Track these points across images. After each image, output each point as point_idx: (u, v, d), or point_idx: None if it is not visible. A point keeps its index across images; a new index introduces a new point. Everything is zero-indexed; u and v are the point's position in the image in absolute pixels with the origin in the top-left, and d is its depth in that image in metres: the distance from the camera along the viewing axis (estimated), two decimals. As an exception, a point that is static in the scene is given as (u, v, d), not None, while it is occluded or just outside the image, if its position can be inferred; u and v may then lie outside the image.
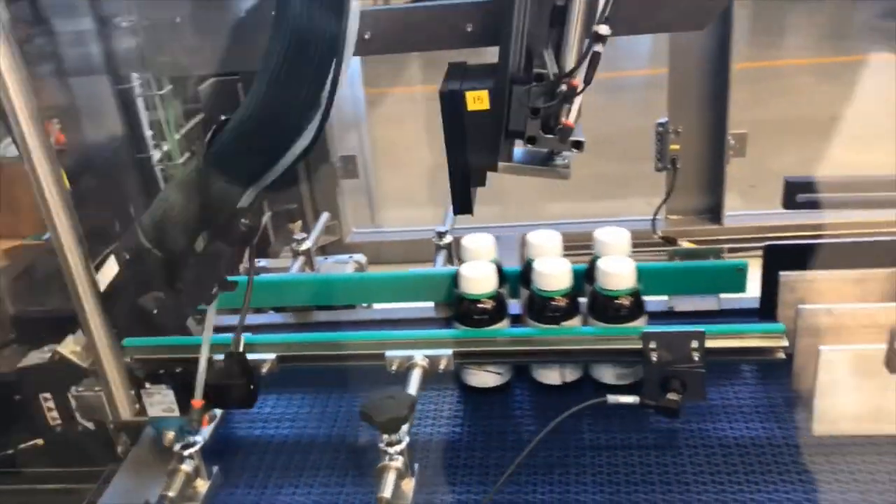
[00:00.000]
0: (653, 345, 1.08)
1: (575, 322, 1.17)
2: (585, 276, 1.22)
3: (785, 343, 1.06)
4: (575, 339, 1.13)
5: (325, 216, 1.69)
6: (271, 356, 1.14)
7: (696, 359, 1.07)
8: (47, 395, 0.95)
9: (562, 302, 1.16)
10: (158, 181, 2.00)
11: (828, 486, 0.99)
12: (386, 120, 4.97)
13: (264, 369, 1.13)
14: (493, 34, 1.03)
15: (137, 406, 0.92)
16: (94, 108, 1.81)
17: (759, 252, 1.46)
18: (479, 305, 1.17)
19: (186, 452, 0.99)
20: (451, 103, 1.02)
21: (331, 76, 0.81)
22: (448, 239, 1.47)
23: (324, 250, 1.89)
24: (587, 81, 0.94)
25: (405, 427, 0.98)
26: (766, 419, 1.12)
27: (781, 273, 1.15)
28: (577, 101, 0.95)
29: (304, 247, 1.46)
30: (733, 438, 1.09)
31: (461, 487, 1.05)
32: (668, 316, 1.32)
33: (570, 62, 0.97)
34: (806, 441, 1.06)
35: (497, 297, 1.18)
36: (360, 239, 2.08)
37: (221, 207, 0.83)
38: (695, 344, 1.07)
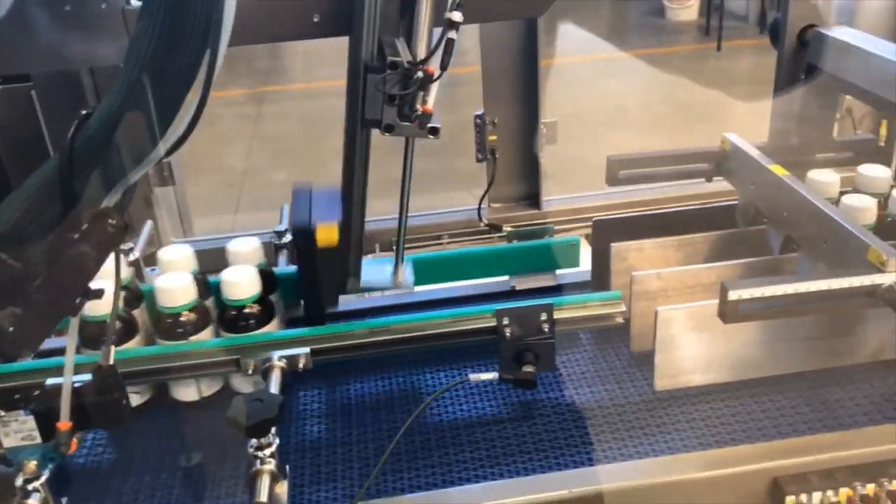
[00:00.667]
0: (506, 321, 1.12)
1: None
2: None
3: (623, 308, 1.15)
4: (431, 323, 1.15)
5: (149, 224, 1.60)
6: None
7: (547, 330, 1.13)
8: None
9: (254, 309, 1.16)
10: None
11: (670, 436, 1.08)
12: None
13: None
14: (341, 25, 1.03)
15: (-9, 439, 0.83)
16: None
17: (580, 231, 1.56)
18: (245, 311, 1.16)
19: (31, 486, 0.90)
20: (302, 240, 1.09)
21: (205, 66, 0.76)
22: (289, 238, 1.44)
23: (144, 262, 1.78)
24: (443, 67, 0.96)
25: (273, 429, 0.96)
26: (609, 382, 1.20)
27: (613, 244, 1.24)
28: (434, 87, 0.97)
29: (131, 258, 1.37)
30: (582, 403, 1.16)
31: (329, 486, 1.04)
32: (511, 294, 1.38)
33: (421, 50, 0.99)
34: (648, 397, 1.15)
35: (262, 301, 1.17)
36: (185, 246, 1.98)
37: (85, 207, 0.77)
38: (544, 316, 1.13)
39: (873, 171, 1.24)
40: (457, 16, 0.98)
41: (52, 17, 1.26)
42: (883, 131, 1.92)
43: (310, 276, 1.17)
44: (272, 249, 1.48)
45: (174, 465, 1.10)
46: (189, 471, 1.09)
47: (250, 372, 1.09)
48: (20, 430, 0.85)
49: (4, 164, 2.12)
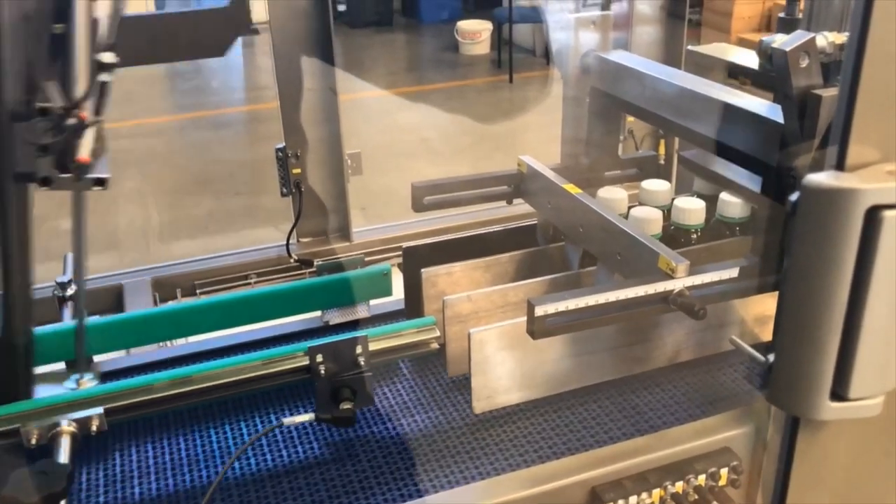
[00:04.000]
0: (319, 358, 1.08)
1: None
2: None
3: (437, 333, 1.14)
4: (240, 368, 1.08)
5: None
6: None
7: (363, 363, 1.10)
8: None
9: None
10: None
11: (494, 457, 1.08)
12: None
13: None
14: (218, 46, 0.95)
15: None
16: None
17: (392, 261, 1.54)
18: None
19: None
20: None
21: None
22: (73, 289, 1.31)
23: None
24: (97, 112, 0.91)
25: (63, 501, 0.85)
26: (431, 409, 1.18)
27: (423, 270, 1.23)
28: (90, 133, 0.90)
29: None
30: (405, 433, 1.14)
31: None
32: (325, 331, 1.34)
33: (77, 94, 0.92)
34: (470, 420, 1.14)
35: None
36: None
37: None
38: (359, 349, 1.10)
39: (656, 186, 1.33)
40: (108, 57, 0.92)
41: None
42: (661, 149, 2.08)
43: None
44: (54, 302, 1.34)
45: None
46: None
47: (33, 442, 0.97)
48: None
49: None
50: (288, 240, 1.96)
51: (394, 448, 1.11)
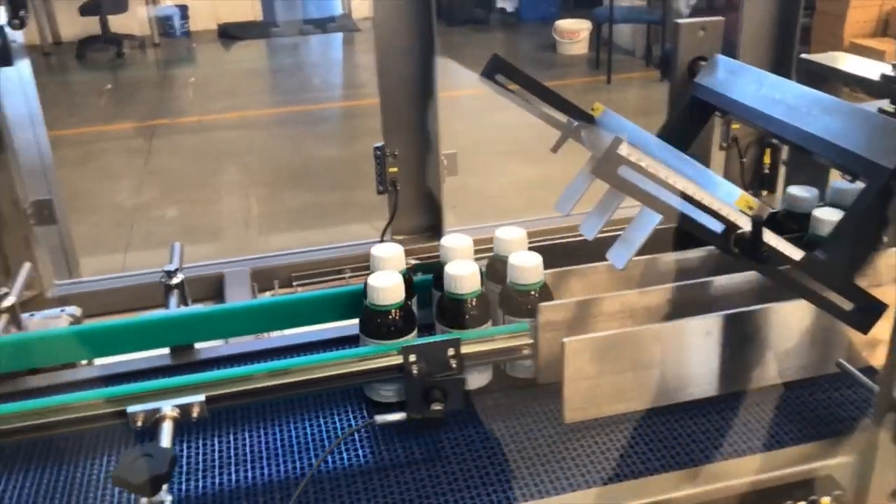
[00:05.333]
0: (412, 358, 1.09)
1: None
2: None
3: (531, 340, 1.13)
4: (335, 363, 1.10)
5: (27, 267, 1.49)
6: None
7: (454, 366, 1.10)
8: None
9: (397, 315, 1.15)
10: None
11: (586, 468, 1.06)
12: (70, 163, 4.55)
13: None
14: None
15: None
16: None
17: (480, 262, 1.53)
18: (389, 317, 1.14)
19: None
20: None
21: None
22: (179, 278, 1.37)
23: (23, 307, 1.66)
24: None
25: (165, 486, 0.89)
26: (519, 414, 1.17)
27: (517, 276, 1.22)
28: None
29: (6, 303, 1.26)
30: (494, 438, 1.13)
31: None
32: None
33: None
34: (561, 429, 1.13)
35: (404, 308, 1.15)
36: (65, 291, 1.86)
37: None
38: (451, 352, 1.10)
39: (803, 192, 1.33)
40: None
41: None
42: (767, 158, 2.01)
43: None
44: (161, 290, 1.40)
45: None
46: None
47: (139, 425, 1.01)
48: None
49: None
50: (382, 237, 1.98)
51: (483, 452, 1.11)
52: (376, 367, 1.10)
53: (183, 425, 1.04)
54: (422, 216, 2.07)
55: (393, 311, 1.15)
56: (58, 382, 1.26)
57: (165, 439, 0.98)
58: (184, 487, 1.05)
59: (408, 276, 1.24)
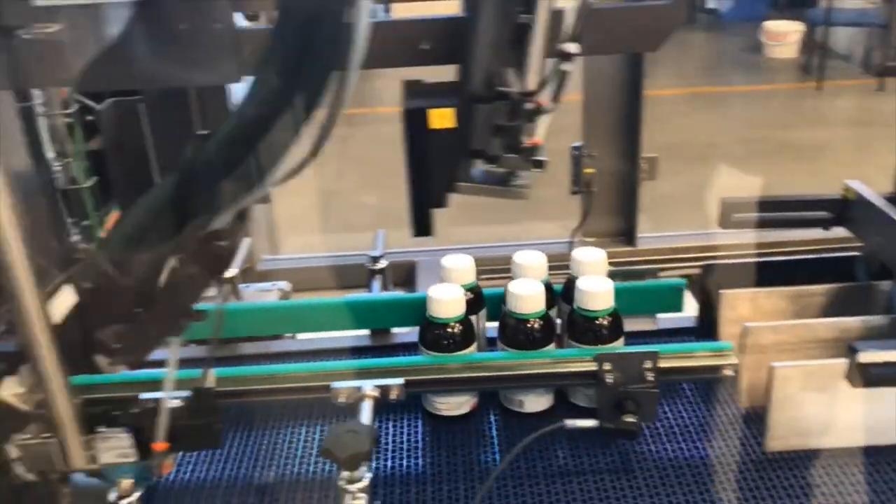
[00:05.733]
0: (607, 366, 1.07)
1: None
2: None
3: (734, 361, 1.08)
4: (529, 363, 1.11)
5: (247, 241, 1.61)
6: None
7: (650, 379, 1.07)
8: (-20, 445, 0.83)
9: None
10: (60, 205, 1.86)
11: (781, 501, 1.00)
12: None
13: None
14: (450, 53, 1.01)
15: (90, 452, 0.82)
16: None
17: (678, 272, 1.48)
18: (448, 330, 1.13)
19: (124, 501, 0.89)
20: (414, 121, 0.99)
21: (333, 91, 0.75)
22: (383, 263, 1.43)
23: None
24: (555, 100, 0.94)
25: (366, 463, 0.93)
26: (714, 437, 1.13)
27: (722, 291, 1.17)
28: (545, 120, 0.94)
29: (228, 274, 1.37)
30: (685, 458, 1.10)
31: (420, 524, 1.01)
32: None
33: (532, 81, 0.96)
34: (757, 458, 1.08)
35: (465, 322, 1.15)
36: (273, 266, 2.00)
37: (196, 229, 0.76)
38: (648, 364, 1.07)
39: None
40: (572, 47, 0.95)
41: (166, 35, 1.28)
42: None
43: (417, 169, 1.07)
44: (365, 273, 1.47)
45: (276, 487, 1.08)
46: (276, 497, 1.07)
47: (342, 400, 1.07)
48: (117, 447, 0.85)
49: (109, 176, 2.18)
50: (572, 238, 1.97)
51: (671, 471, 1.07)
52: (569, 372, 1.09)
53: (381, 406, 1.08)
54: (615, 219, 2.04)
55: (531, 320, 1.13)
56: (267, 352, 1.35)
57: (366, 417, 1.02)
58: (381, 465, 1.10)
59: (549, 285, 1.20)
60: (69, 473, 0.85)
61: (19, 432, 0.82)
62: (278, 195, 3.58)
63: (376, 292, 1.36)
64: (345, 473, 0.91)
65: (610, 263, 1.63)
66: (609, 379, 1.07)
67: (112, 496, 0.89)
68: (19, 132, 1.48)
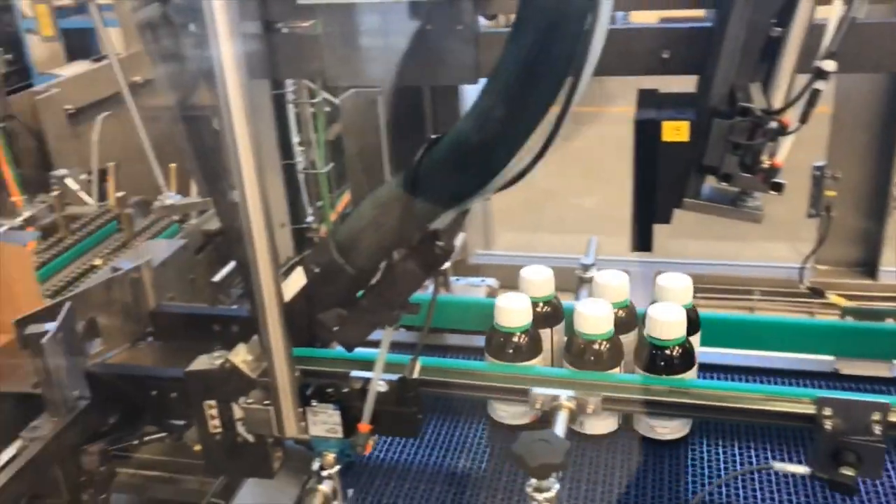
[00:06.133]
0: (828, 412, 0.98)
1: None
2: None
3: None
4: (740, 396, 1.04)
5: (462, 235, 1.65)
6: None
7: (878, 432, 0.97)
8: (212, 402, 0.93)
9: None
10: (301, 188, 2.02)
11: None
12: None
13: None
14: (690, 64, 0.98)
15: (302, 423, 0.90)
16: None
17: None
18: (513, 339, 1.12)
19: (325, 472, 0.96)
20: (646, 133, 0.97)
21: (563, 96, 0.75)
22: (594, 272, 1.40)
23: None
24: (803, 120, 0.87)
25: (555, 475, 0.92)
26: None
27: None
28: (788, 140, 0.88)
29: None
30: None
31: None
32: (833, 378, 1.22)
33: (778, 98, 0.90)
34: None
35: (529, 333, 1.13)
36: (484, 261, 2.04)
37: (418, 227, 0.80)
38: (877, 416, 0.97)
39: None
40: (829, 65, 0.88)
41: (408, 35, 1.34)
42: None
43: (645, 181, 1.06)
44: (575, 279, 1.45)
45: (465, 480, 1.11)
46: (462, 489, 1.09)
47: (537, 407, 1.07)
48: (326, 422, 0.90)
49: (344, 162, 2.33)
50: (804, 263, 1.83)
51: (892, 537, 0.97)
52: (784, 412, 1.02)
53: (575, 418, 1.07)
54: (855, 248, 1.87)
55: (671, 347, 1.06)
56: (470, 345, 1.38)
57: (560, 428, 1.02)
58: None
59: (693, 310, 1.12)
60: (283, 439, 0.93)
61: (245, 395, 0.90)
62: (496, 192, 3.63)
63: (583, 300, 1.34)
64: (532, 481, 0.91)
65: (845, 296, 1.50)
66: (828, 426, 0.98)
67: (315, 465, 0.96)
68: (271, 118, 1.63)
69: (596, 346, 1.10)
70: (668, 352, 1.07)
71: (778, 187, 0.93)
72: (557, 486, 0.92)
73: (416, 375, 0.88)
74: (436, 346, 1.40)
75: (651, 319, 1.08)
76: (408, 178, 0.80)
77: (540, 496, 0.91)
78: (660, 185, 1.00)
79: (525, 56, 0.72)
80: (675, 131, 0.95)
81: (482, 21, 1.32)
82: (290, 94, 2.00)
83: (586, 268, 1.42)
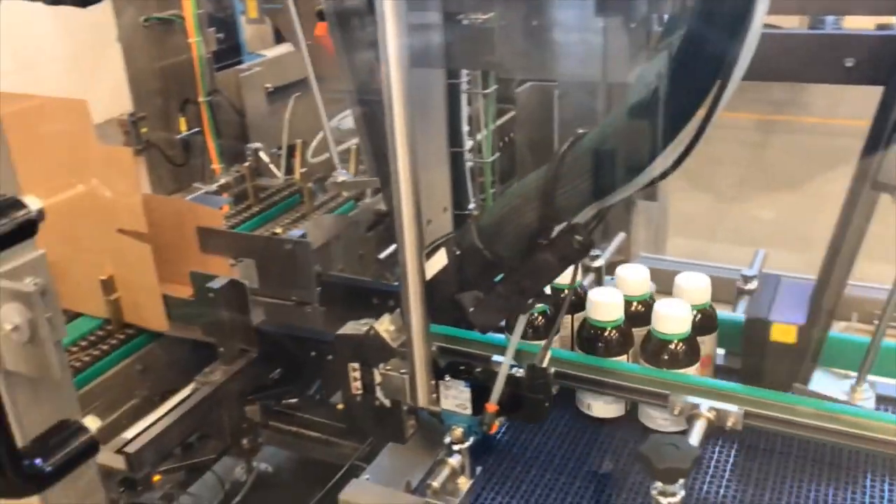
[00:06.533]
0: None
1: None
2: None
3: None
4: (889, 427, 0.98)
5: (621, 236, 1.64)
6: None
7: None
8: (356, 365, 1.00)
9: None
10: (466, 175, 2.07)
11: None
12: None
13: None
14: (878, 73, 0.92)
15: (434, 395, 0.94)
16: (424, 101, 1.90)
17: None
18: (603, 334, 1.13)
19: (456, 447, 1.00)
20: (754, 331, 1.05)
21: (710, 98, 0.74)
22: (754, 284, 1.35)
23: (607, 270, 1.83)
24: None
25: (682, 480, 0.91)
26: None
27: None
28: None
29: (596, 263, 1.42)
30: None
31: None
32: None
33: None
34: None
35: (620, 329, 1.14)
36: (647, 265, 1.99)
37: (559, 220, 0.82)
38: None
39: None
40: None
41: (585, 29, 1.34)
42: None
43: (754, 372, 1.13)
44: (733, 290, 1.40)
45: (592, 474, 1.11)
46: (591, 482, 1.09)
47: (676, 413, 1.05)
48: (457, 397, 0.94)
49: (515, 153, 2.36)
50: None
51: None
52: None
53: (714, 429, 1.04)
54: None
55: (674, 342, 1.09)
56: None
57: (695, 437, 1.00)
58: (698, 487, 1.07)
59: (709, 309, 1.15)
60: (416, 408, 0.98)
61: (385, 363, 0.96)
62: (675, 196, 3.54)
63: (739, 312, 1.29)
64: (658, 484, 0.91)
65: None
66: None
67: (447, 439, 1.00)
68: (444, 106, 1.67)
69: (672, 346, 1.11)
70: (671, 346, 1.11)
71: None
72: (683, 492, 0.91)
73: (545, 364, 0.90)
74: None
75: (655, 314, 1.12)
76: (551, 170, 0.82)
77: (664, 500, 0.90)
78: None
79: (675, 57, 0.72)
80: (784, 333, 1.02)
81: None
82: (465, 83, 2.05)
83: (747, 279, 1.37)
